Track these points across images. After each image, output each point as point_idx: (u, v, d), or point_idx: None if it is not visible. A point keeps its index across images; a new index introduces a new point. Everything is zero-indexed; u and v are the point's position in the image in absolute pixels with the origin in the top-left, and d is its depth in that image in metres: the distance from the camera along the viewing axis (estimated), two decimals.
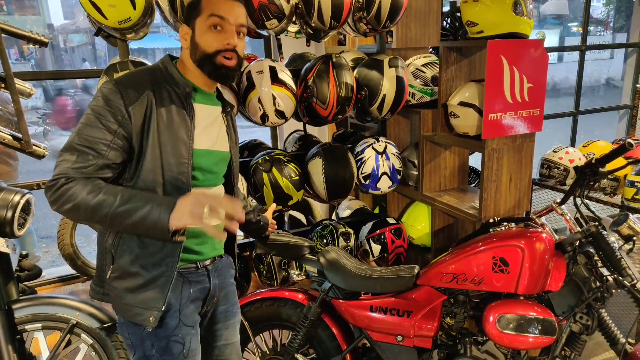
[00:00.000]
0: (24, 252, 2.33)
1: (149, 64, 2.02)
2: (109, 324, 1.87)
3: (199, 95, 1.37)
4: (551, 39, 14.84)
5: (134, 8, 1.82)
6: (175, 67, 1.35)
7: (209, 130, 1.39)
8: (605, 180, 2.54)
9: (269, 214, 1.85)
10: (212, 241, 1.46)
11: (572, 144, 4.96)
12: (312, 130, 2.96)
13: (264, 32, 2.27)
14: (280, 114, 2.23)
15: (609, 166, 1.90)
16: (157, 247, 1.29)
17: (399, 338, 1.82)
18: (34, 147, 2.30)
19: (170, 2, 1.91)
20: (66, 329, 1.83)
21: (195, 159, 1.33)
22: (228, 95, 2.12)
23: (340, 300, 1.90)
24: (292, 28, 2.49)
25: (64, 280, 3.11)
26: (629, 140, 1.61)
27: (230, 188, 1.54)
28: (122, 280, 1.30)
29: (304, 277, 2.29)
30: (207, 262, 1.46)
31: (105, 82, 1.27)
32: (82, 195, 1.15)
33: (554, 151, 2.88)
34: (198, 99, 1.37)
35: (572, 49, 6.41)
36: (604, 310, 1.76)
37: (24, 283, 2.38)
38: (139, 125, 1.23)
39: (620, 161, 2.37)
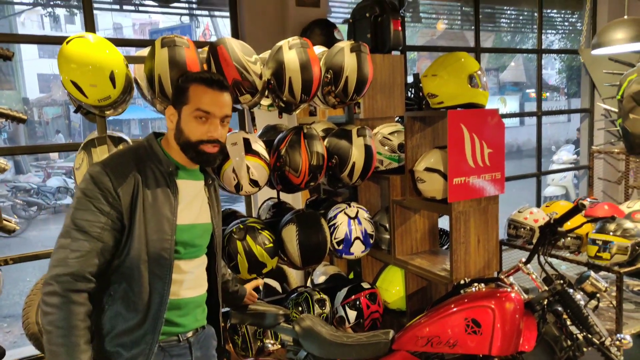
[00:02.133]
0: None
1: (126, 138, 2.08)
2: None
3: (182, 172, 1.44)
4: (512, 104, 15.71)
5: (114, 87, 1.88)
6: (159, 146, 1.43)
7: (191, 205, 1.46)
8: (569, 239, 2.64)
9: (249, 286, 1.87)
10: (194, 312, 1.48)
11: (538, 204, 5.15)
12: (285, 197, 3.01)
13: (238, 106, 2.38)
14: (254, 182, 2.29)
15: (571, 225, 2.00)
16: (137, 322, 1.32)
17: None
18: (4, 222, 2.28)
19: (149, 80, 2.00)
20: None
21: (178, 234, 1.39)
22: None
23: None
24: (265, 102, 2.62)
25: None
26: (581, 201, 1.72)
27: (212, 258, 1.58)
28: (109, 345, 1.33)
29: (279, 346, 2.25)
30: (190, 333, 1.47)
31: (93, 165, 1.35)
32: (53, 324, 1.21)
33: (519, 212, 3.00)
34: (181, 175, 1.44)
35: (529, 114, 6.81)
36: None
37: None
38: (127, 204, 1.30)
39: (579, 219, 2.49)
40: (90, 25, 2.86)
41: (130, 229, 1.31)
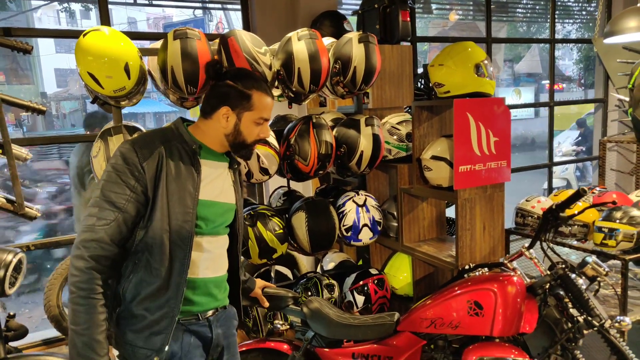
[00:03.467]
0: (11, 313, 2.35)
1: (141, 127, 2.16)
2: None
3: (206, 153, 1.52)
4: (527, 95, 15.51)
5: (129, 78, 1.96)
6: (185, 129, 1.51)
7: (214, 184, 1.53)
8: (576, 227, 2.66)
9: (260, 283, 1.96)
10: (213, 292, 1.55)
11: (550, 193, 5.14)
12: (296, 186, 3.08)
13: None
14: (264, 171, 2.36)
15: (574, 211, 2.03)
16: (160, 286, 1.41)
17: None
18: (26, 209, 2.39)
19: (162, 72, 2.07)
20: None
21: (199, 209, 1.46)
22: None
23: (324, 349, 1.94)
24: (275, 92, 2.68)
25: (49, 343, 3.08)
26: (582, 187, 1.75)
27: (235, 238, 1.66)
28: (126, 321, 1.42)
29: (288, 327, 2.33)
30: (209, 312, 1.55)
31: (123, 142, 1.45)
32: (76, 294, 1.32)
33: (526, 200, 3.03)
34: (205, 155, 1.51)
35: (542, 105, 6.76)
36: (578, 352, 1.82)
37: (10, 343, 2.37)
38: (152, 177, 1.39)
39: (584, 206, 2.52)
40: (105, 19, 2.95)
41: (154, 201, 1.39)
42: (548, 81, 5.09)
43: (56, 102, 14.91)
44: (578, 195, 1.75)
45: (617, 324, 1.68)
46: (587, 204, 2.52)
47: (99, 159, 2.00)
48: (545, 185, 5.47)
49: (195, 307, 1.50)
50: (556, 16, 5.14)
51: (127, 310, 1.42)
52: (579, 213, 1.94)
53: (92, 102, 2.18)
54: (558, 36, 7.34)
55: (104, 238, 1.33)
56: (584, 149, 9.14)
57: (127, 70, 1.94)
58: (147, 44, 2.48)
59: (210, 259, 1.53)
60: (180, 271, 1.42)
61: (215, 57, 2.20)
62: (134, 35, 2.93)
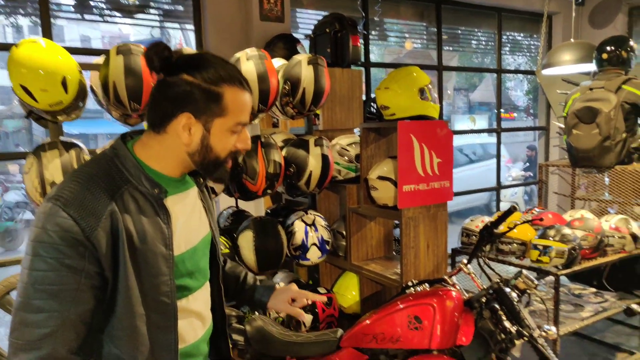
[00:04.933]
0: None
1: (80, 144, 2.08)
2: None
3: (170, 189, 1.10)
4: (481, 123, 16.18)
5: (66, 92, 1.90)
6: (133, 156, 1.07)
7: (189, 225, 1.16)
8: (515, 245, 2.78)
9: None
10: (205, 350, 1.29)
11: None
12: (247, 206, 3.08)
13: None
14: (211, 189, 2.35)
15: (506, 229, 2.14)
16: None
17: None
18: None
19: (104, 87, 2.04)
20: None
21: (178, 267, 1.11)
22: None
23: None
24: None
25: None
26: (512, 204, 1.86)
27: (215, 272, 1.33)
28: None
29: (231, 346, 2.29)
30: None
31: (48, 204, 0.96)
32: None
33: (471, 220, 3.14)
34: (171, 191, 1.11)
35: (489, 131, 7.08)
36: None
37: None
38: (107, 252, 0.98)
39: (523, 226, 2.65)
40: (47, 33, 2.88)
41: (115, 283, 1.00)
42: (501, 110, 5.36)
43: None
44: (509, 212, 1.85)
45: (544, 333, 1.77)
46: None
47: (31, 176, 1.91)
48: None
49: None
50: (507, 49, 5.46)
51: None
52: (510, 230, 2.04)
53: (27, 117, 2.10)
54: (510, 67, 7.84)
55: (57, 352, 0.94)
56: (532, 174, 9.57)
57: (64, 84, 1.89)
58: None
59: (199, 317, 1.22)
60: (169, 357, 1.10)
61: None
62: (82, 51, 2.90)
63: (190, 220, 1.17)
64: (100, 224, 0.96)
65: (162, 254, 1.05)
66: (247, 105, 1.11)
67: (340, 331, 1.99)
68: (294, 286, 1.54)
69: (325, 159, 2.59)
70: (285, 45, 3.32)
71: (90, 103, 2.29)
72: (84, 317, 0.98)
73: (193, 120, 1.05)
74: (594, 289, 3.38)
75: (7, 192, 9.89)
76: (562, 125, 4.29)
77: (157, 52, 1.03)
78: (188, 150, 1.08)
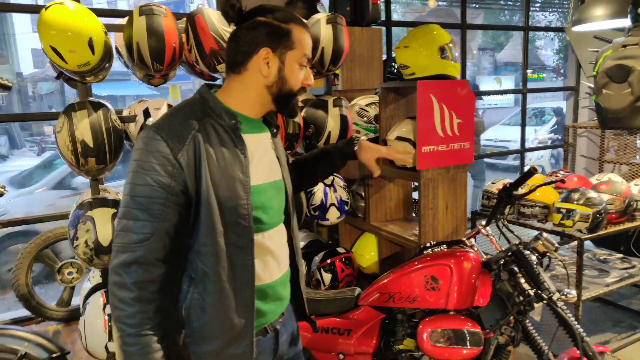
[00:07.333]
0: None
1: (107, 104, 2.15)
2: (58, 354, 1.90)
3: (245, 125, 1.24)
4: (507, 84, 15.70)
5: (93, 53, 1.94)
6: (216, 98, 1.23)
7: (262, 162, 1.28)
8: (537, 208, 2.75)
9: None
10: (280, 294, 1.34)
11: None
12: None
13: (217, 75, 2.45)
14: None
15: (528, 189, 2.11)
16: (228, 298, 1.19)
17: (341, 356, 1.91)
18: None
19: (128, 48, 2.07)
20: (15, 359, 1.85)
21: (253, 197, 1.20)
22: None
23: None
24: None
25: (18, 322, 3.08)
26: (533, 166, 1.82)
27: (287, 221, 1.40)
28: (199, 346, 1.20)
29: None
30: (277, 320, 1.34)
31: (145, 130, 1.15)
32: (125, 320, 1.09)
33: (492, 183, 3.10)
34: (245, 129, 1.23)
35: (514, 91, 6.87)
36: (528, 322, 1.90)
37: None
38: (191, 171, 1.12)
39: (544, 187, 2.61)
40: None
41: (198, 200, 1.13)
42: (529, 70, 5.18)
43: (33, 83, 14.60)
44: (529, 173, 1.82)
45: (563, 297, 1.76)
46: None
47: (63, 135, 1.99)
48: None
49: (265, 319, 1.29)
50: (538, 6, 5.21)
51: (196, 333, 1.19)
52: (531, 192, 2.01)
53: (57, 78, 2.17)
54: (540, 25, 7.48)
55: (147, 258, 1.09)
56: (560, 137, 9.32)
57: (91, 45, 1.93)
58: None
59: (275, 257, 1.30)
60: (247, 280, 1.20)
61: (183, 35, 2.20)
62: (108, 13, 2.89)
63: (263, 159, 1.28)
64: (185, 146, 1.11)
65: (240, 180, 1.18)
66: (310, 41, 1.27)
67: (358, 290, 2.03)
68: (383, 148, 1.72)
69: (344, 119, 2.58)
70: (304, 5, 3.23)
71: (117, 65, 2.31)
72: (170, 231, 1.11)
73: (271, 54, 1.20)
74: (620, 255, 3.31)
75: (44, 152, 10.19)
76: (592, 85, 4.13)
77: (231, 4, 1.23)
78: (267, 82, 1.22)
